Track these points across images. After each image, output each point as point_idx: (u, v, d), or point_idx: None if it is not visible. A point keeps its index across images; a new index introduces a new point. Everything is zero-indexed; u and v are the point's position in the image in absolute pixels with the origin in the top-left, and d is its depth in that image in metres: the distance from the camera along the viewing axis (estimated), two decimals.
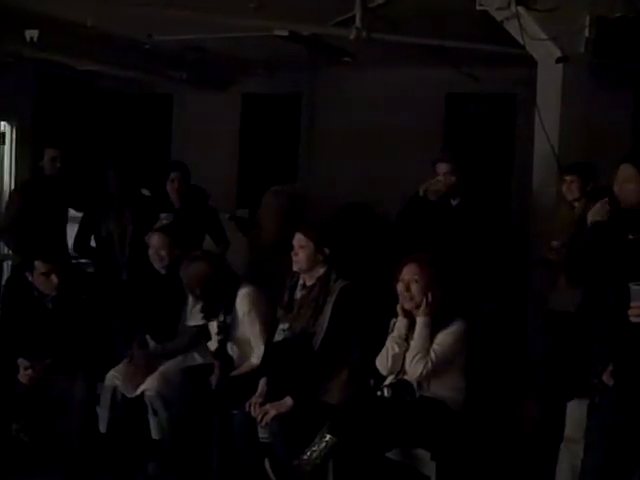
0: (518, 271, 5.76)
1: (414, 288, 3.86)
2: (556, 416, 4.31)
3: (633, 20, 4.96)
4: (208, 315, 4.50)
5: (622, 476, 2.95)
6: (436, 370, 3.81)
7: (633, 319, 2.69)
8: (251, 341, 4.44)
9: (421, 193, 5.12)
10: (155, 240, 4.85)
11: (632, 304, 2.69)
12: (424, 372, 3.78)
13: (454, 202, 5.19)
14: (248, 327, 4.42)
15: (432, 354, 3.79)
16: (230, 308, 4.45)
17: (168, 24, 6.49)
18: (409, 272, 3.89)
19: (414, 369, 3.79)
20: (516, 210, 7.22)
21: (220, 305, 4.45)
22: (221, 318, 4.46)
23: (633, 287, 2.67)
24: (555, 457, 3.86)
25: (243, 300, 4.43)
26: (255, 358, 4.40)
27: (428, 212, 5.13)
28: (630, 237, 2.96)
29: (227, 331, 4.45)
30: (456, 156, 5.33)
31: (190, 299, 4.64)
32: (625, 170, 3.90)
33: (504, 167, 8.20)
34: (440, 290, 3.87)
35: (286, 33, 5.92)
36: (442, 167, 5.13)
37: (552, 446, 3.97)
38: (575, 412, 3.81)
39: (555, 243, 4.97)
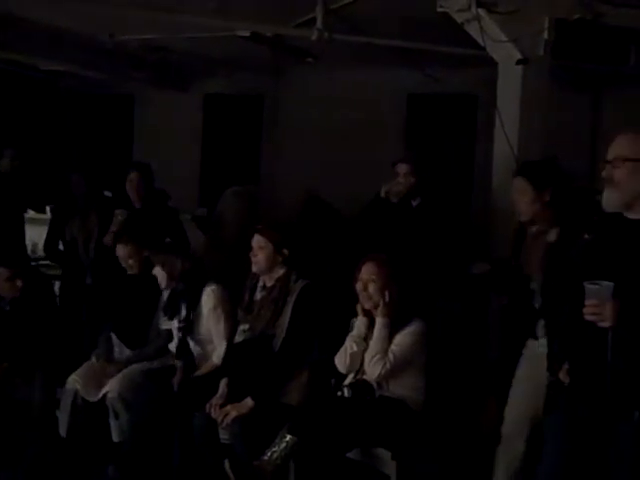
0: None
1: (371, 288, 3.89)
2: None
3: (591, 22, 5.02)
4: (170, 314, 4.48)
5: (579, 475, 2.98)
6: (395, 371, 3.83)
7: (587, 317, 2.73)
8: (214, 339, 4.42)
9: (382, 194, 5.14)
10: (119, 252, 4.79)
11: (586, 302, 2.72)
12: (382, 373, 3.80)
13: (414, 203, 5.22)
14: (213, 324, 4.40)
15: (390, 355, 3.81)
16: (194, 305, 4.42)
17: (129, 24, 6.45)
18: (367, 272, 3.91)
19: (373, 370, 3.81)
20: (477, 210, 7.28)
21: (183, 302, 4.43)
22: (184, 313, 4.43)
23: (588, 286, 2.71)
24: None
25: (210, 296, 4.42)
26: (216, 357, 4.39)
27: (389, 213, 5.15)
28: (586, 237, 2.98)
29: (190, 327, 4.42)
30: (416, 157, 5.36)
31: (162, 302, 4.60)
32: (518, 183, 3.97)
33: (465, 168, 8.26)
34: (397, 289, 3.89)
35: (248, 34, 5.91)
36: (402, 168, 5.16)
37: None
38: (513, 411, 3.85)
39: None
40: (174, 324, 4.51)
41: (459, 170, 8.35)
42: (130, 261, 4.74)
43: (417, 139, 8.36)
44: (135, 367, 4.51)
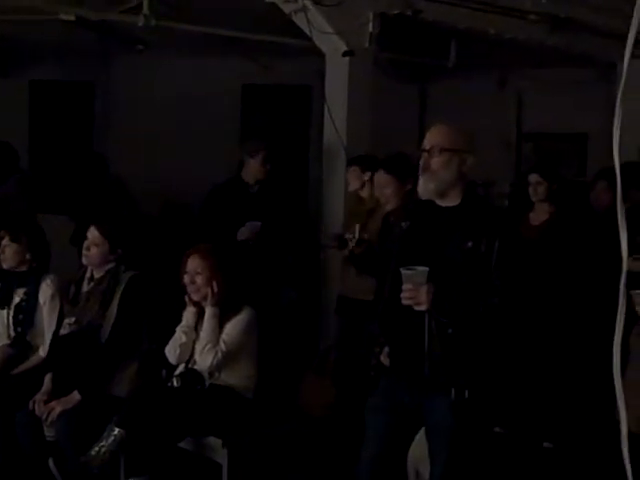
0: (314, 257, 5.93)
1: (199, 280, 3.86)
2: (350, 398, 4.46)
3: (410, 18, 5.21)
4: (1, 302, 4.30)
5: (395, 454, 3.11)
6: (226, 359, 3.83)
7: (404, 302, 2.83)
8: (44, 331, 4.25)
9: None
10: None
11: (403, 288, 2.82)
12: (214, 362, 3.80)
13: (253, 190, 5.29)
14: (46, 315, 4.25)
15: (222, 344, 3.81)
16: (34, 294, 4.26)
17: None
18: (192, 264, 3.88)
19: (204, 359, 3.80)
20: (312, 199, 7.40)
21: (19, 289, 4.27)
22: (21, 296, 4.26)
23: (404, 272, 2.81)
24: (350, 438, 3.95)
25: (49, 285, 4.28)
26: (42, 351, 4.24)
27: (230, 200, 5.18)
28: (402, 224, 3.08)
29: (31, 319, 4.25)
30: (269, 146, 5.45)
31: None
32: (380, 177, 4.44)
33: (300, 157, 8.36)
34: (225, 279, 3.88)
35: (73, 18, 5.71)
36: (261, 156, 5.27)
37: (347, 427, 4.08)
38: None
39: (348, 236, 5.14)
40: (2, 317, 4.31)
41: (294, 160, 8.45)
42: None
43: (252, 129, 8.39)
44: None
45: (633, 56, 1.35)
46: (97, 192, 6.22)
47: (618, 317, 1.28)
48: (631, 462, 1.68)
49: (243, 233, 5.10)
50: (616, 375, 1.30)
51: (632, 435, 2.85)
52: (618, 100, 1.28)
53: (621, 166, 1.48)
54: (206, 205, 5.38)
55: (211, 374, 3.85)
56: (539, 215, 4.85)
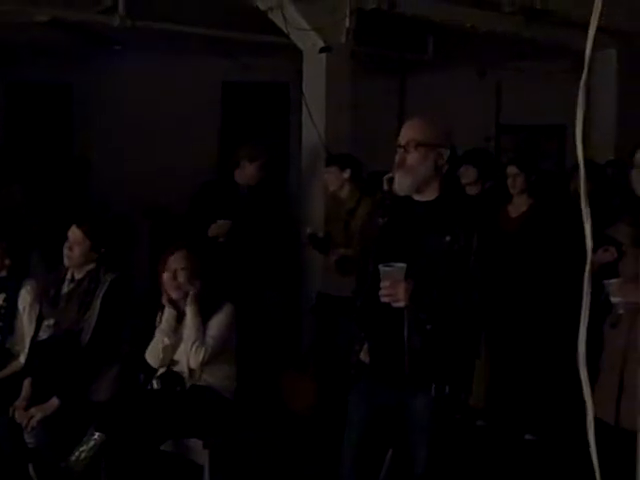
0: (294, 256, 5.92)
1: (181, 276, 3.83)
2: (332, 397, 4.45)
3: (386, 12, 5.19)
4: None
5: (377, 452, 3.10)
6: (215, 355, 3.80)
7: (383, 299, 2.81)
8: (24, 338, 4.20)
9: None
10: None
11: (382, 285, 2.80)
12: (206, 357, 3.75)
13: (243, 192, 5.30)
14: (26, 321, 4.20)
15: (209, 340, 3.77)
16: (14, 300, 4.21)
17: None
18: (176, 261, 3.85)
19: (195, 358, 3.75)
20: (292, 197, 7.39)
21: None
22: (0, 302, 4.21)
23: (382, 268, 2.79)
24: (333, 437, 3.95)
25: (29, 292, 4.22)
26: (23, 358, 4.20)
27: (219, 199, 5.19)
28: (380, 220, 3.07)
29: (12, 327, 4.20)
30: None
31: None
32: None
33: (280, 155, 8.33)
34: (206, 277, 3.86)
35: (47, 19, 5.66)
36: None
37: (329, 425, 4.07)
38: None
39: (308, 230, 5.17)
40: None
41: (274, 158, 8.41)
42: None
43: (233, 127, 8.37)
44: None
45: (604, 45, 1.34)
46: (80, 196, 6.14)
47: (583, 306, 1.28)
48: (609, 455, 1.67)
49: (212, 230, 5.10)
50: (581, 364, 1.30)
51: (613, 427, 2.85)
52: (581, 91, 1.27)
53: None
54: (195, 201, 5.39)
55: (192, 374, 3.82)
56: (518, 207, 4.85)
